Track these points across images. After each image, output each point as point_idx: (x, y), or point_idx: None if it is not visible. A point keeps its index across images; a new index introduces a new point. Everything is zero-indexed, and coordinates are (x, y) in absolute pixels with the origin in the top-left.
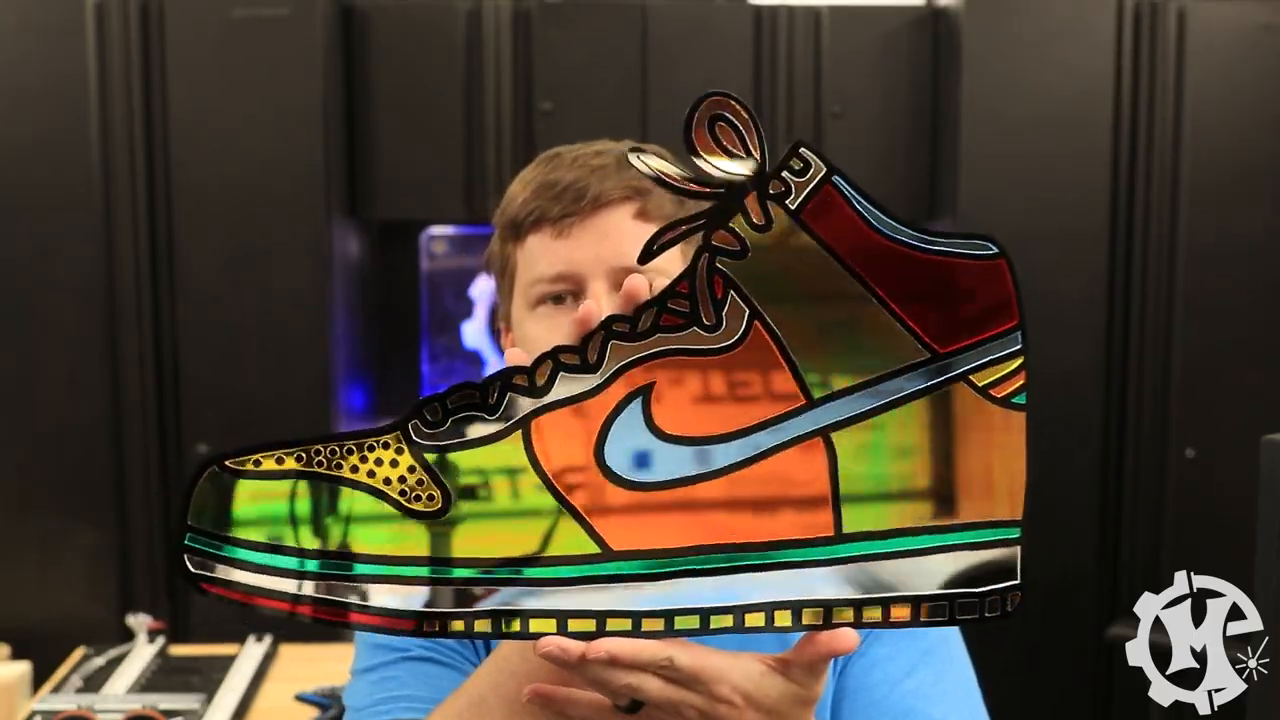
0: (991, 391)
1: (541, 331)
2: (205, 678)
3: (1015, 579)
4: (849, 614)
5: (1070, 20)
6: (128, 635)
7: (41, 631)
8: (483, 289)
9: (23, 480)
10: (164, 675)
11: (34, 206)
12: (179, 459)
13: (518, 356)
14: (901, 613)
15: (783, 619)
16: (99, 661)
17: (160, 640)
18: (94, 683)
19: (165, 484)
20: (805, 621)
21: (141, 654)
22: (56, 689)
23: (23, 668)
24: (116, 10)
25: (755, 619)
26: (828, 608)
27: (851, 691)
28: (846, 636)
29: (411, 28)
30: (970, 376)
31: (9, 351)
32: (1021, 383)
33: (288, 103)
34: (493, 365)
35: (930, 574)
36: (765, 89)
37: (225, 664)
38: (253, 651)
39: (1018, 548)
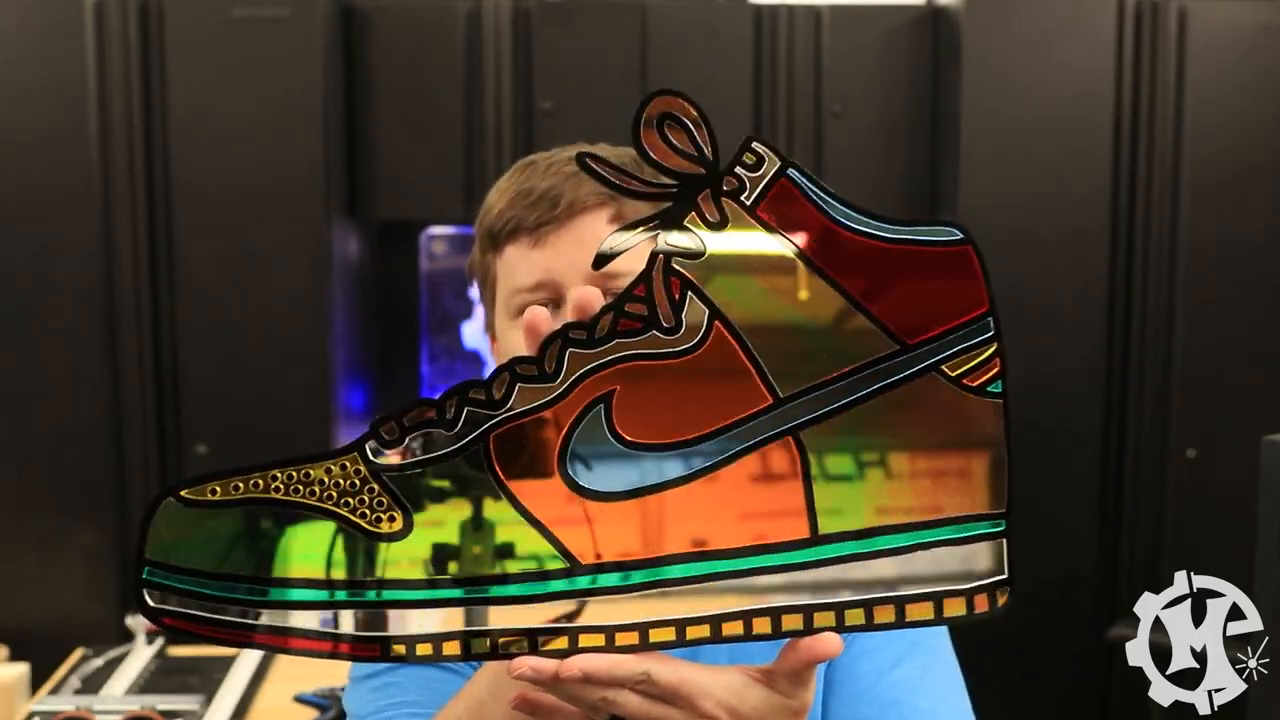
0: (965, 381)
1: (524, 341)
2: (204, 678)
3: (1003, 574)
4: (830, 618)
5: (1070, 20)
6: (127, 636)
7: (40, 632)
8: None
9: (23, 480)
10: (163, 676)
11: (34, 206)
12: (179, 459)
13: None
14: (885, 615)
15: (761, 626)
16: (98, 662)
17: (159, 641)
18: (93, 684)
19: (165, 484)
20: (785, 628)
21: (140, 655)
22: (55, 690)
23: (21, 669)
24: (116, 10)
25: (733, 628)
26: (808, 613)
27: (838, 683)
28: (829, 641)
29: (411, 28)
30: (942, 367)
31: (9, 351)
32: (996, 371)
33: (288, 103)
34: (492, 367)
35: (913, 573)
36: (765, 89)
37: (224, 665)
38: (252, 652)
39: (1004, 541)
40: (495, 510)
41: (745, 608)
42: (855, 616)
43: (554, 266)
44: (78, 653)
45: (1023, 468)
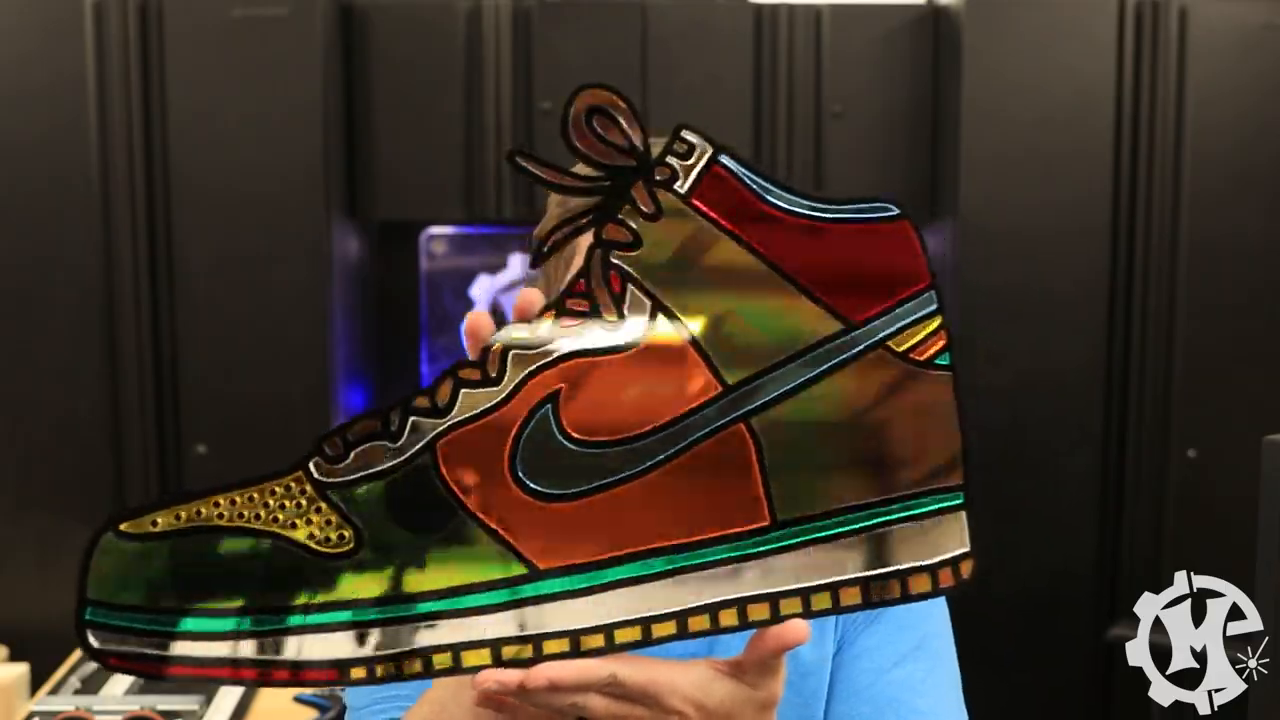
0: (912, 355)
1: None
2: None
3: (965, 547)
4: (797, 604)
5: (1071, 20)
6: None
7: (39, 632)
8: (483, 289)
9: (21, 480)
10: None
11: (33, 206)
12: (178, 459)
13: (532, 295)
14: (851, 597)
15: (728, 618)
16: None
17: None
18: (92, 684)
19: (164, 485)
20: (752, 618)
21: None
22: (54, 690)
23: (20, 669)
24: (115, 9)
25: (699, 622)
26: (774, 601)
27: (838, 681)
28: (796, 628)
29: (411, 28)
30: (888, 343)
31: (9, 351)
32: (943, 344)
33: (287, 103)
34: None
35: (876, 552)
36: (765, 89)
37: None
38: None
39: (963, 513)
40: (447, 522)
41: (710, 600)
42: (822, 601)
43: None
44: (77, 653)
45: (1023, 467)
